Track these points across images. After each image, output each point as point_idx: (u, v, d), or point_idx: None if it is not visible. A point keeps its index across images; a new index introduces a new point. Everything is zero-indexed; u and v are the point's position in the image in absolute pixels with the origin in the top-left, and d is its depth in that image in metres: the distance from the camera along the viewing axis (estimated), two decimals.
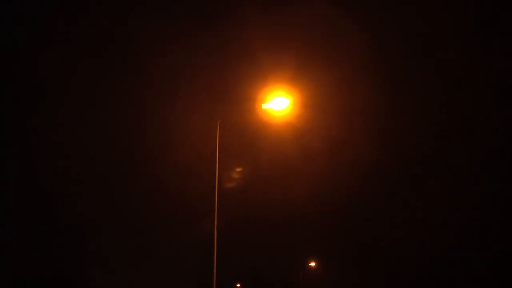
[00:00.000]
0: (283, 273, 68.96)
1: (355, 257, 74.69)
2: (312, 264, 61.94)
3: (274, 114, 15.55)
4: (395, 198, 70.24)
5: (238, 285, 71.28)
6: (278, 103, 15.02)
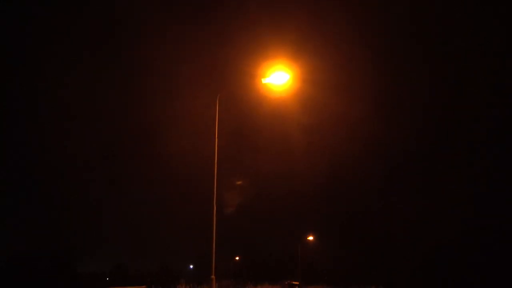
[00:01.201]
0: (281, 246, 69.97)
1: (351, 230, 75.74)
2: (310, 238, 62.72)
3: (274, 88, 15.43)
4: (391, 171, 70.79)
5: (237, 258, 72.45)
6: (278, 78, 14.88)
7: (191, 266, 75.64)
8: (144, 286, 13.25)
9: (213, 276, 14.42)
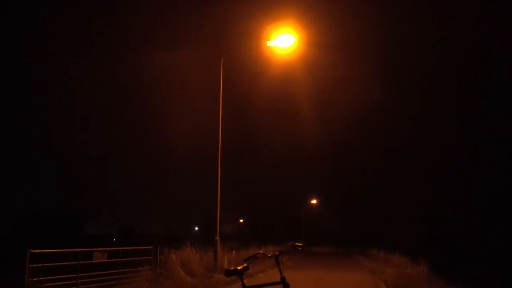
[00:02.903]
0: (285, 209, 70.86)
1: (354, 195, 76.48)
2: (314, 201, 63.37)
3: (279, 52, 15.22)
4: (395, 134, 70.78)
5: (241, 220, 73.62)
6: (283, 41, 14.64)
7: (196, 228, 77.10)
8: (150, 247, 13.51)
9: (217, 238, 14.71)
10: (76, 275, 10.26)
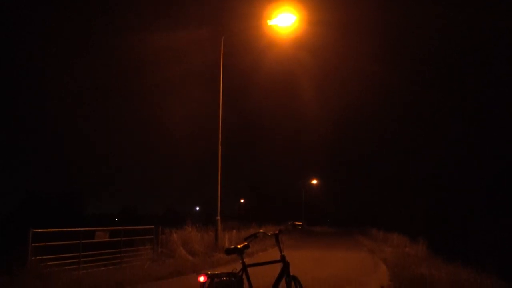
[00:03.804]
0: (285, 189, 71.18)
1: (355, 175, 76.71)
2: (314, 181, 63.54)
3: (280, 30, 15.04)
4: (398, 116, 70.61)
5: (242, 200, 74.05)
6: (284, 20, 14.45)
7: (197, 208, 77.60)
8: (151, 226, 13.62)
9: (218, 217, 14.79)
10: (78, 254, 10.34)
